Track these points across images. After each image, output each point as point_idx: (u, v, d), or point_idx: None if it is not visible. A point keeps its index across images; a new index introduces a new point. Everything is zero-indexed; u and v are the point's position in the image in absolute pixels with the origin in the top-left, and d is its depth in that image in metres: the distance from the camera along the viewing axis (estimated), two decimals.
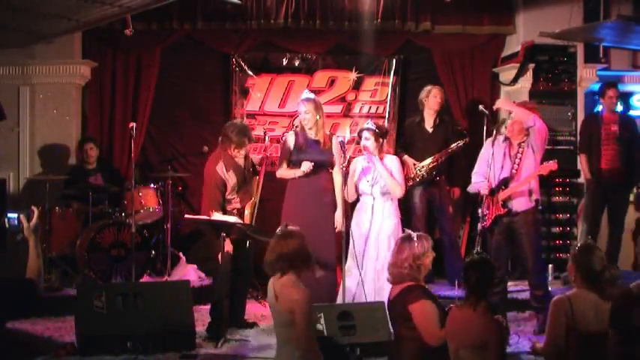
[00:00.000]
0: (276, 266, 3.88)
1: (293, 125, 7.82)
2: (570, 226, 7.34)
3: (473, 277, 3.77)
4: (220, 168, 5.57)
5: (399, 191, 5.83)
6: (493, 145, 5.76)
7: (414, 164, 6.77)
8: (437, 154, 6.79)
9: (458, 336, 3.75)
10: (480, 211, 5.78)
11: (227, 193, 5.60)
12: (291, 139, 5.92)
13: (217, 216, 5.43)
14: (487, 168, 5.74)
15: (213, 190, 5.54)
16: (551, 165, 5.55)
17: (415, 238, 4.18)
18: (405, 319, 4.06)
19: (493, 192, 5.69)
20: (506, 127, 7.31)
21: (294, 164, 5.84)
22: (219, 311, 5.55)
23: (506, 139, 5.80)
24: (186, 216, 5.60)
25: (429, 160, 6.76)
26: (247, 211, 5.71)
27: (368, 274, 5.69)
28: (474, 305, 3.74)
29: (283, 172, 5.93)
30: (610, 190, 7.14)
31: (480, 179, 5.84)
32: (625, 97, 8.33)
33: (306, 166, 5.71)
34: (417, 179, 6.75)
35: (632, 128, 7.24)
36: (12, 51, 7.40)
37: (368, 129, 5.88)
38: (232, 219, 5.43)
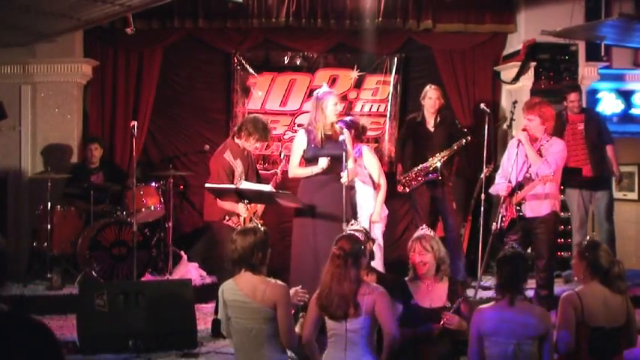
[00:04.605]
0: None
1: (294, 123, 7.84)
2: (571, 224, 7.32)
3: (512, 271, 3.72)
4: (228, 155, 5.61)
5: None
6: (518, 146, 5.74)
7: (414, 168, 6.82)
8: (443, 153, 6.78)
9: (515, 332, 3.64)
10: (499, 211, 5.81)
11: (235, 182, 5.52)
12: (303, 137, 5.68)
13: (245, 184, 5.41)
14: (509, 169, 5.78)
15: (222, 177, 5.51)
16: (547, 177, 5.57)
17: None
18: None
19: (512, 194, 5.74)
20: (508, 126, 7.40)
21: (310, 161, 5.65)
22: None
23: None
24: (207, 185, 5.51)
25: (436, 160, 6.74)
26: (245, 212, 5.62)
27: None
28: (515, 299, 3.69)
29: (297, 170, 5.70)
30: (585, 189, 7.08)
31: (501, 180, 5.88)
32: (626, 95, 8.33)
33: (324, 162, 5.52)
34: (420, 180, 6.76)
35: (598, 125, 7.12)
36: (13, 50, 7.41)
37: (342, 120, 6.10)
38: (261, 186, 5.41)
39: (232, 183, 5.50)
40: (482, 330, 3.70)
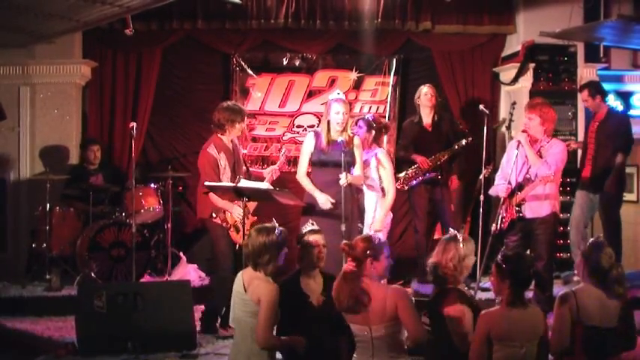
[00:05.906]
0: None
1: (294, 124, 7.84)
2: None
3: (515, 273, 3.72)
4: (212, 149, 5.66)
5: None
6: (517, 147, 5.74)
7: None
8: (441, 153, 6.79)
9: (526, 334, 3.67)
10: (499, 212, 5.81)
11: (221, 174, 5.58)
12: (310, 141, 5.71)
13: (243, 182, 5.38)
14: (509, 170, 5.78)
15: (208, 171, 5.57)
16: (548, 177, 5.58)
17: (460, 239, 4.08)
18: (439, 321, 3.96)
19: (511, 195, 5.74)
20: (507, 127, 7.41)
21: (316, 165, 5.68)
22: (214, 307, 5.68)
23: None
24: (206, 183, 5.36)
25: (432, 158, 6.78)
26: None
27: None
28: (522, 299, 3.72)
29: (304, 180, 5.72)
30: (585, 189, 7.05)
31: (501, 182, 5.88)
32: (625, 96, 8.32)
33: (326, 204, 5.49)
34: (420, 178, 6.78)
35: (613, 128, 6.92)
36: (12, 51, 7.40)
37: (363, 119, 6.25)
38: (259, 184, 5.41)
39: (218, 176, 5.56)
40: (492, 333, 3.68)
